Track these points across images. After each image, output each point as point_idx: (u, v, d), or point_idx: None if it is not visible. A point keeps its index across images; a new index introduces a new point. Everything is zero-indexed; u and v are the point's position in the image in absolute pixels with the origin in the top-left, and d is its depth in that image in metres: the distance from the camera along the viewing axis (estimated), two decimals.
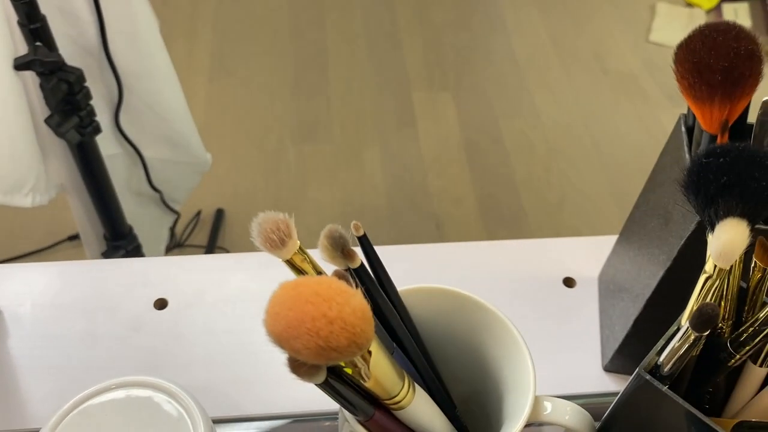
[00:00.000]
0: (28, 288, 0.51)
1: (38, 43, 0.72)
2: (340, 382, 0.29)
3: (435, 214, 1.64)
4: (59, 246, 1.46)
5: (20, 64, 0.71)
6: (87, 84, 0.78)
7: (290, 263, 0.30)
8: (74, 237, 1.48)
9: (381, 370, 0.29)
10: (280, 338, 0.25)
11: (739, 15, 1.98)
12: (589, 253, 0.53)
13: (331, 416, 0.43)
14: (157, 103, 0.88)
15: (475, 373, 0.38)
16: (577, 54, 2.01)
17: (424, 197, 1.67)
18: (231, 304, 0.51)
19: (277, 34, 2.04)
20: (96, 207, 0.90)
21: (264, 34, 2.03)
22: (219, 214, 1.57)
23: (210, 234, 1.52)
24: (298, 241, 0.30)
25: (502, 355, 0.36)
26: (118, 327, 0.49)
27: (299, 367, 0.26)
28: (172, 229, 1.09)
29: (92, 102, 0.80)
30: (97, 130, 0.81)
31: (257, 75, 1.91)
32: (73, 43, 0.78)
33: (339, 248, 0.30)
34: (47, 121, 0.77)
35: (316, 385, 0.28)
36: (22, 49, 0.74)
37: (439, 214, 1.64)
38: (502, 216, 1.63)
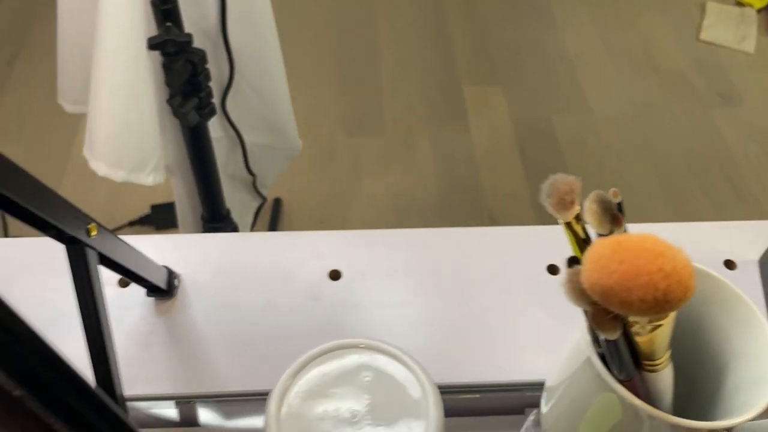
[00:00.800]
0: (204, 257, 0.52)
1: (168, 24, 0.74)
2: (624, 339, 0.30)
3: (488, 208, 1.65)
4: (119, 232, 1.48)
5: (154, 44, 0.72)
6: (207, 66, 0.79)
7: (569, 226, 0.31)
8: (134, 222, 1.50)
9: (663, 332, 0.30)
10: (609, 291, 0.26)
11: None
12: (749, 237, 0.54)
13: (534, 386, 0.45)
14: (264, 87, 0.89)
15: (688, 344, 0.39)
16: (627, 51, 2.01)
17: (477, 191, 1.68)
18: (401, 277, 0.52)
19: (327, 29, 2.05)
20: (199, 189, 0.91)
21: (313, 28, 2.04)
22: (277, 204, 1.59)
23: (269, 223, 1.54)
24: (579, 206, 0.31)
25: (729, 327, 0.37)
26: (296, 297, 0.50)
27: (602, 319, 0.28)
28: (257, 214, 1.10)
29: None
30: (213, 111, 0.83)
31: (308, 69, 1.92)
32: (194, 25, 0.80)
33: (608, 213, 0.32)
34: (169, 101, 0.79)
35: (604, 341, 0.29)
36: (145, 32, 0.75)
37: (492, 208, 1.65)
38: None
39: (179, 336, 0.49)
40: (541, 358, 0.48)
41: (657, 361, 0.32)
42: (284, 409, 0.36)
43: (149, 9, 0.73)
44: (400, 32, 2.06)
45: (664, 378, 0.33)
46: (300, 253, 0.53)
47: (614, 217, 0.32)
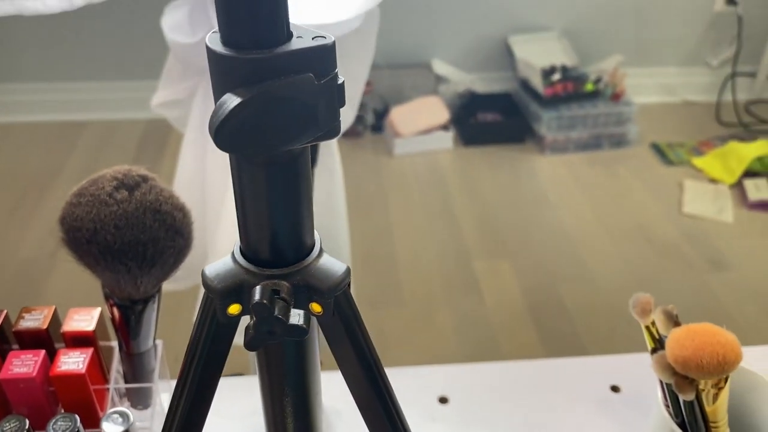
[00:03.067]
0: None
1: None
2: (696, 402, 0.44)
3: None
4: None
5: None
6: None
7: (647, 328, 0.46)
8: None
9: (722, 399, 0.45)
10: (687, 359, 0.41)
11: (761, 188, 2.24)
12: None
13: None
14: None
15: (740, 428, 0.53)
16: (620, 225, 2.24)
17: (497, 356, 1.81)
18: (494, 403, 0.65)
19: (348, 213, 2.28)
20: None
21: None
22: None
23: None
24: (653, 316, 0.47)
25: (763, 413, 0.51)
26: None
27: (683, 384, 0.42)
28: None
29: None
30: None
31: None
32: None
33: (671, 320, 0.47)
34: None
35: (681, 400, 0.43)
36: None
37: None
38: None
39: None
40: None
41: (719, 423, 0.46)
42: None
43: None
44: (410, 215, 2.29)
45: None
46: (410, 384, 0.66)
47: (675, 322, 0.47)
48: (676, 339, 0.42)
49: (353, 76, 0.97)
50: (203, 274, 0.31)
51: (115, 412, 0.51)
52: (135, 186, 0.42)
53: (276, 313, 0.29)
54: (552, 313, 1.94)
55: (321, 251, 0.32)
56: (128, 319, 0.49)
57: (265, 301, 0.29)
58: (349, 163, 2.63)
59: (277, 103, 0.25)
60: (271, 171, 0.28)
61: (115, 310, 0.49)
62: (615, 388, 0.66)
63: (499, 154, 2.62)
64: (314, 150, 0.95)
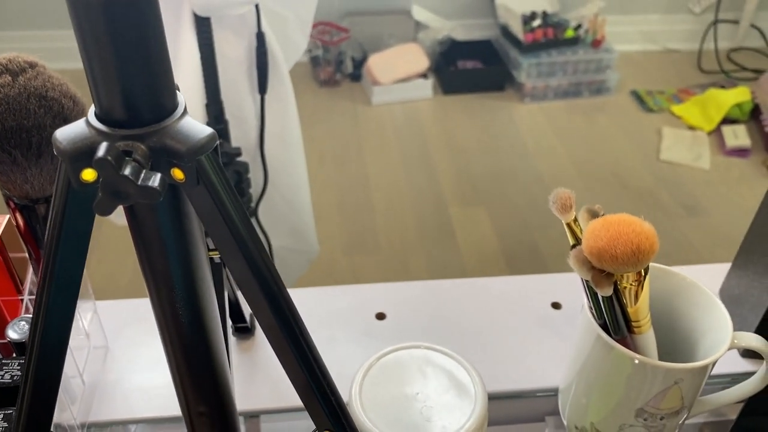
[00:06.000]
0: None
1: (220, 140, 0.89)
2: (616, 301, 0.43)
3: None
4: None
5: None
6: (249, 175, 0.94)
7: (569, 226, 0.44)
8: None
9: (643, 298, 0.43)
10: (601, 250, 0.39)
11: (739, 135, 2.22)
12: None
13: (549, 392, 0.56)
14: (292, 196, 1.04)
15: (667, 331, 0.51)
16: (597, 173, 2.22)
17: None
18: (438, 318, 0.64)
19: (323, 162, 2.26)
20: None
21: (309, 164, 2.25)
22: None
23: None
24: (575, 212, 0.45)
25: (696, 313, 0.49)
26: (353, 333, 0.62)
27: (599, 279, 0.40)
28: None
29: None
30: (252, 214, 0.97)
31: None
32: (236, 142, 0.96)
33: (592, 215, 0.45)
34: None
35: (600, 298, 0.42)
36: None
37: None
38: None
39: (258, 369, 0.59)
40: (553, 370, 0.59)
41: (641, 321, 0.44)
42: (366, 379, 0.47)
43: None
44: (388, 165, 2.27)
45: (649, 339, 0.45)
46: (350, 301, 0.65)
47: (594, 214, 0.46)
48: (591, 230, 0.41)
49: None
50: (53, 137, 0.28)
51: (23, 320, 0.50)
52: (20, 71, 0.40)
53: (124, 172, 0.27)
54: (526, 260, 1.93)
55: (184, 114, 0.29)
56: (31, 222, 0.47)
57: (109, 158, 0.26)
58: (326, 112, 2.59)
59: None
60: (110, 12, 0.25)
61: (18, 215, 0.47)
62: (556, 305, 0.65)
63: (478, 102, 2.58)
64: (263, 77, 0.92)
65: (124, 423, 0.57)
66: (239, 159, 0.91)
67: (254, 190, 1.03)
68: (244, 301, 0.56)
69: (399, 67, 2.58)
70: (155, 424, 0.58)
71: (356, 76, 2.66)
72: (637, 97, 2.52)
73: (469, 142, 2.38)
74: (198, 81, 0.86)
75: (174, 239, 0.32)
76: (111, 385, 0.58)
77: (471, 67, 2.65)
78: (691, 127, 2.33)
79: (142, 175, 0.27)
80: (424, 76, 2.60)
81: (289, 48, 0.95)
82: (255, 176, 1.01)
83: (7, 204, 0.47)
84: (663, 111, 2.44)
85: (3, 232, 0.51)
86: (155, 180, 0.27)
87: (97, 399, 0.57)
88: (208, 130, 0.29)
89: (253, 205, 0.97)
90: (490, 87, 2.60)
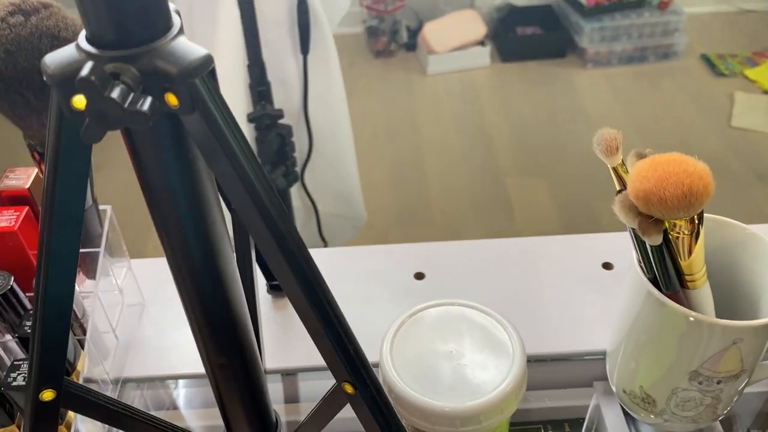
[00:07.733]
0: None
1: (263, 102, 0.88)
2: (667, 252, 0.39)
3: None
4: None
5: (252, 118, 0.86)
6: (293, 139, 0.92)
7: (615, 170, 0.41)
8: None
9: (699, 248, 0.39)
10: (649, 192, 0.35)
11: None
12: None
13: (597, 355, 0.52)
14: (337, 162, 1.02)
15: (725, 287, 0.47)
16: (663, 141, 2.12)
17: None
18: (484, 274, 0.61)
19: (376, 134, 2.23)
20: None
21: (362, 136, 2.22)
22: None
23: None
24: (621, 155, 0.41)
25: (758, 267, 0.45)
26: (390, 293, 0.60)
27: (647, 225, 0.37)
28: None
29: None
30: (297, 178, 0.95)
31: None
32: (280, 106, 0.94)
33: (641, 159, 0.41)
34: None
35: (649, 247, 0.38)
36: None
37: None
38: None
39: (291, 328, 0.58)
40: (603, 333, 0.55)
41: (696, 275, 0.40)
42: (398, 336, 0.45)
43: (247, 91, 0.87)
44: (442, 137, 2.22)
45: (704, 295, 0.41)
46: (388, 261, 0.63)
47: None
48: (638, 171, 0.37)
49: None
50: (42, 62, 0.27)
51: None
52: (33, 11, 0.39)
53: (112, 95, 0.25)
54: (586, 230, 1.86)
55: (179, 34, 0.27)
56: None
57: (93, 78, 0.25)
58: (380, 84, 2.56)
59: None
60: None
61: (43, 166, 0.46)
62: (607, 265, 0.61)
63: (538, 69, 2.50)
64: (305, 37, 0.89)
65: (159, 379, 0.57)
66: (281, 122, 0.89)
67: (299, 155, 1.01)
68: None
69: (455, 35, 2.52)
70: (190, 380, 0.57)
71: (411, 46, 2.61)
72: (708, 61, 2.39)
73: (528, 111, 2.31)
74: (239, 41, 0.84)
75: (177, 173, 0.30)
76: (146, 341, 0.58)
77: (530, 33, 2.56)
78: (767, 92, 2.19)
79: (130, 98, 0.25)
80: (481, 43, 2.53)
81: (332, 6, 0.92)
82: (299, 140, 1.00)
83: (33, 156, 0.46)
84: (736, 75, 2.31)
85: (32, 184, 0.50)
86: (145, 104, 0.25)
87: (131, 355, 0.57)
88: (203, 51, 0.27)
89: (297, 169, 0.96)
90: (551, 54, 2.51)
